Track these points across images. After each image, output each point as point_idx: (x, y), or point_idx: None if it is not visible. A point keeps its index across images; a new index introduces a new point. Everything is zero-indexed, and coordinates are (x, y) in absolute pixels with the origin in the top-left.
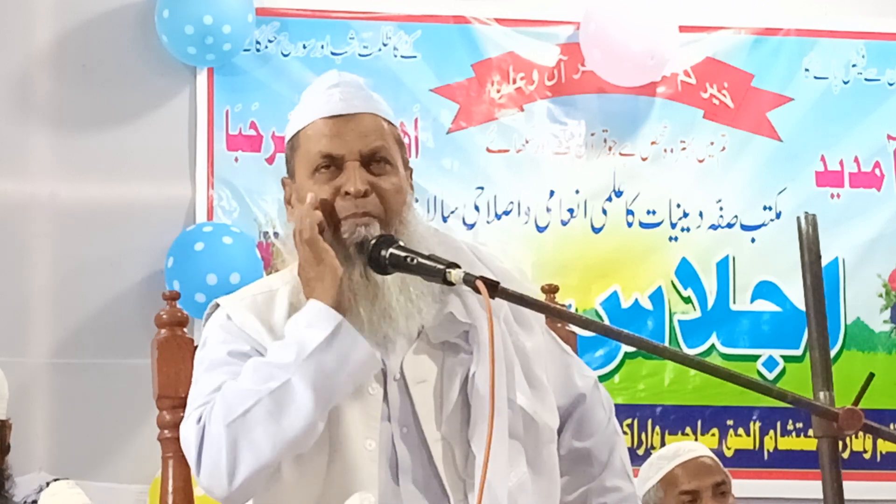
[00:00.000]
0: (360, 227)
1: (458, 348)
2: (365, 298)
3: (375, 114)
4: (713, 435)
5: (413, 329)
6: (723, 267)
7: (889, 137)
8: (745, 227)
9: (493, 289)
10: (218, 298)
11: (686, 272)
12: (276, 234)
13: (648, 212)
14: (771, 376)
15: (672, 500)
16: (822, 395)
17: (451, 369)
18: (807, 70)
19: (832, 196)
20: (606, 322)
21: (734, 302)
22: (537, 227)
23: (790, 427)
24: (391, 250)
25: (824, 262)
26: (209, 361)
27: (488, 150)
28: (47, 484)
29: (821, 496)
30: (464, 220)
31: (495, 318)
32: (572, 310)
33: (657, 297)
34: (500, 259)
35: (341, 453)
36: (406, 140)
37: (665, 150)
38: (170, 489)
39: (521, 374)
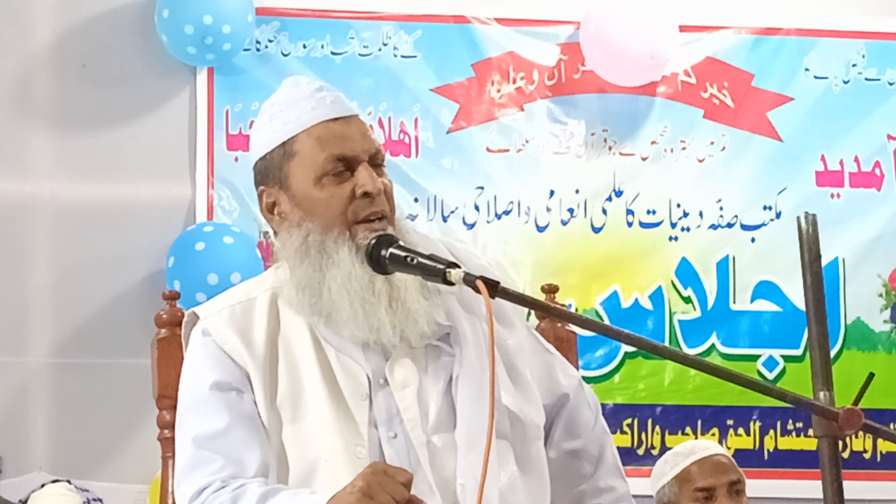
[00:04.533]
0: (377, 233)
1: (441, 351)
2: (388, 304)
3: (358, 116)
4: (713, 435)
5: (429, 328)
6: (723, 267)
7: (889, 137)
8: (745, 227)
9: (493, 288)
10: (195, 308)
11: (686, 272)
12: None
13: (648, 212)
14: (771, 376)
15: (687, 496)
16: (822, 394)
17: (435, 372)
18: (807, 70)
19: (832, 196)
20: (606, 322)
21: (734, 302)
22: (537, 226)
23: (790, 427)
24: (391, 250)
25: (824, 262)
26: (195, 398)
27: (488, 149)
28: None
29: (821, 496)
30: (464, 219)
31: (475, 316)
32: (572, 310)
33: (657, 296)
34: (477, 255)
35: (332, 462)
36: (406, 140)
37: (665, 150)
38: (170, 489)
39: (504, 372)
